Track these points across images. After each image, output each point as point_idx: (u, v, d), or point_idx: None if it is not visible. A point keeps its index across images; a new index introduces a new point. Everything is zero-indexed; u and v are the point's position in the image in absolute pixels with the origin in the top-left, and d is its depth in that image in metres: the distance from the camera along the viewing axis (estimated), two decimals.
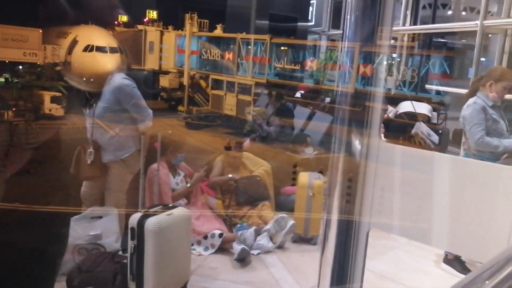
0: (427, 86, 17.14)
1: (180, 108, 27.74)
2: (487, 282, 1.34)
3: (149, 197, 8.37)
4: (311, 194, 8.77)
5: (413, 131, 14.84)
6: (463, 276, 5.02)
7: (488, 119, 5.71)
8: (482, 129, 5.64)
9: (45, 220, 11.66)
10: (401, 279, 5.82)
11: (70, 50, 25.50)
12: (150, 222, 5.78)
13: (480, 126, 5.66)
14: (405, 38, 18.47)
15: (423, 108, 15.87)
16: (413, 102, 15.64)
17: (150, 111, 7.69)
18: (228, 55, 25.51)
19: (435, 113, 15.81)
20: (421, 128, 14.61)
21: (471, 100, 5.90)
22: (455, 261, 6.47)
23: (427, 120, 16.95)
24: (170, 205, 6.91)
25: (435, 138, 14.31)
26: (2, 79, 26.63)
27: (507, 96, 7.50)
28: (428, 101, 18.11)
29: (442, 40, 21.58)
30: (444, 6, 28.55)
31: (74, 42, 25.77)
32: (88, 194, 7.76)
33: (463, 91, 8.57)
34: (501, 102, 6.36)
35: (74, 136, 23.87)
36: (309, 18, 34.65)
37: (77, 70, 25.73)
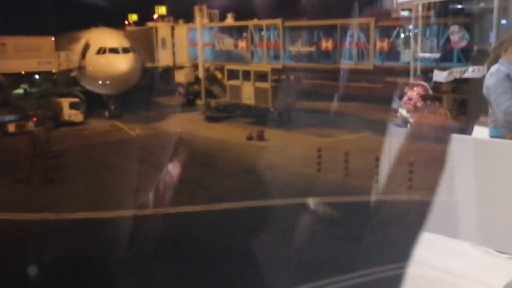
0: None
1: (198, 102, 27.56)
2: None
3: None
4: None
5: None
6: (499, 254, 4.67)
7: None
8: (509, 97, 5.08)
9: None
10: (435, 262, 5.47)
11: (83, 55, 25.51)
12: None
13: (507, 95, 5.10)
14: (420, 8, 17.85)
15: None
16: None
17: None
18: (242, 44, 25.14)
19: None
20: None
21: (493, 68, 5.31)
22: None
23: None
24: None
25: None
26: (21, 90, 26.90)
27: None
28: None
29: (459, 6, 20.79)
30: None
31: (87, 46, 25.72)
32: None
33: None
34: None
35: (95, 140, 24.02)
36: None
37: (92, 74, 25.72)
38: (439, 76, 14.14)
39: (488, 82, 5.35)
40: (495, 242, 4.39)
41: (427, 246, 6.51)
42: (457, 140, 5.26)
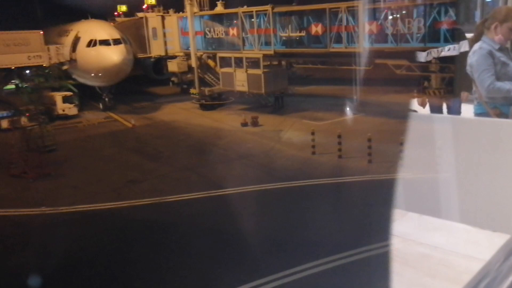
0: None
1: (192, 90, 27.52)
2: None
3: None
4: None
5: None
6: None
7: (497, 63, 5.20)
8: (491, 74, 5.14)
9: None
10: (424, 238, 5.57)
11: (74, 48, 25.42)
12: None
13: (489, 72, 5.15)
14: None
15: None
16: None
17: None
18: (232, 31, 25.08)
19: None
20: None
21: (476, 46, 5.34)
22: None
23: None
24: None
25: None
26: (12, 86, 26.81)
27: None
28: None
29: None
30: None
31: (77, 39, 25.63)
32: None
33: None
34: (510, 43, 5.83)
35: (90, 132, 23.89)
36: None
37: (84, 67, 25.64)
38: (419, 56, 14.57)
39: (471, 60, 5.36)
40: (477, 220, 4.51)
41: (416, 223, 6.64)
42: (437, 119, 5.38)
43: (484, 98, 5.26)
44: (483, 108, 5.27)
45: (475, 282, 1.44)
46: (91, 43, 24.51)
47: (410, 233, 5.71)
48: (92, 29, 25.93)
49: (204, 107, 26.13)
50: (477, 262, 2.87)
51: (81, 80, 26.67)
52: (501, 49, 5.30)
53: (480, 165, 4.41)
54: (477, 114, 5.28)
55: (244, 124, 21.34)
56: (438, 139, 4.70)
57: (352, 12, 19.00)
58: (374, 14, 18.51)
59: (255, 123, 21.21)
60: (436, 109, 8.92)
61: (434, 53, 14.20)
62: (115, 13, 35.33)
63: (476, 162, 4.44)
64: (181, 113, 25.90)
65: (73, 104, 25.63)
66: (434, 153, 4.77)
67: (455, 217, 4.45)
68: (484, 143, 4.45)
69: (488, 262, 1.27)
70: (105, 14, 31.77)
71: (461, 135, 4.63)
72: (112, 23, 29.61)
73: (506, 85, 5.17)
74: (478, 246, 4.53)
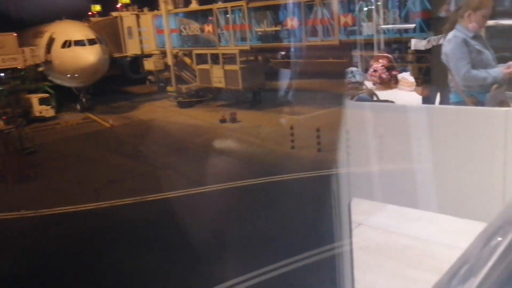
0: None
1: (169, 88, 27.44)
2: None
3: None
4: None
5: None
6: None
7: (472, 51, 5.25)
8: (466, 62, 5.19)
9: None
10: (407, 230, 5.64)
11: (48, 49, 25.10)
12: None
13: (464, 60, 5.20)
14: None
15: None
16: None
17: None
18: (208, 27, 25.07)
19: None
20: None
21: (450, 34, 5.39)
22: None
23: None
24: None
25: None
26: None
27: (490, 22, 6.95)
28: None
29: None
30: None
31: (51, 40, 25.31)
32: None
33: None
34: (485, 30, 5.91)
35: (69, 134, 23.50)
36: None
37: (60, 68, 25.25)
38: (419, 44, 14.60)
39: (446, 48, 5.38)
40: (455, 209, 4.61)
41: (398, 214, 6.76)
42: (413, 109, 5.46)
43: (460, 86, 5.31)
44: (460, 96, 5.35)
45: (454, 270, 1.55)
46: (66, 44, 24.22)
47: (391, 225, 5.87)
48: (67, 29, 25.60)
49: (181, 105, 26.08)
50: (458, 251, 2.97)
51: (58, 81, 26.33)
52: (475, 37, 5.31)
53: (457, 154, 4.51)
54: (454, 103, 5.37)
55: (223, 121, 21.43)
56: (414, 129, 4.79)
57: (327, 5, 19.16)
58: (349, 6, 18.74)
59: (233, 119, 21.31)
60: (428, 100, 8.98)
61: (433, 41, 14.38)
62: (89, 13, 34.92)
63: (453, 151, 4.54)
64: (159, 111, 25.83)
65: (50, 106, 25.30)
66: (411, 143, 4.89)
67: (434, 207, 4.61)
68: (461, 131, 4.54)
69: (466, 250, 1.40)
70: (79, 14, 31.35)
71: (438, 124, 4.73)
72: (86, 23, 29.27)
73: (481, 73, 5.19)
74: (458, 235, 4.69)
